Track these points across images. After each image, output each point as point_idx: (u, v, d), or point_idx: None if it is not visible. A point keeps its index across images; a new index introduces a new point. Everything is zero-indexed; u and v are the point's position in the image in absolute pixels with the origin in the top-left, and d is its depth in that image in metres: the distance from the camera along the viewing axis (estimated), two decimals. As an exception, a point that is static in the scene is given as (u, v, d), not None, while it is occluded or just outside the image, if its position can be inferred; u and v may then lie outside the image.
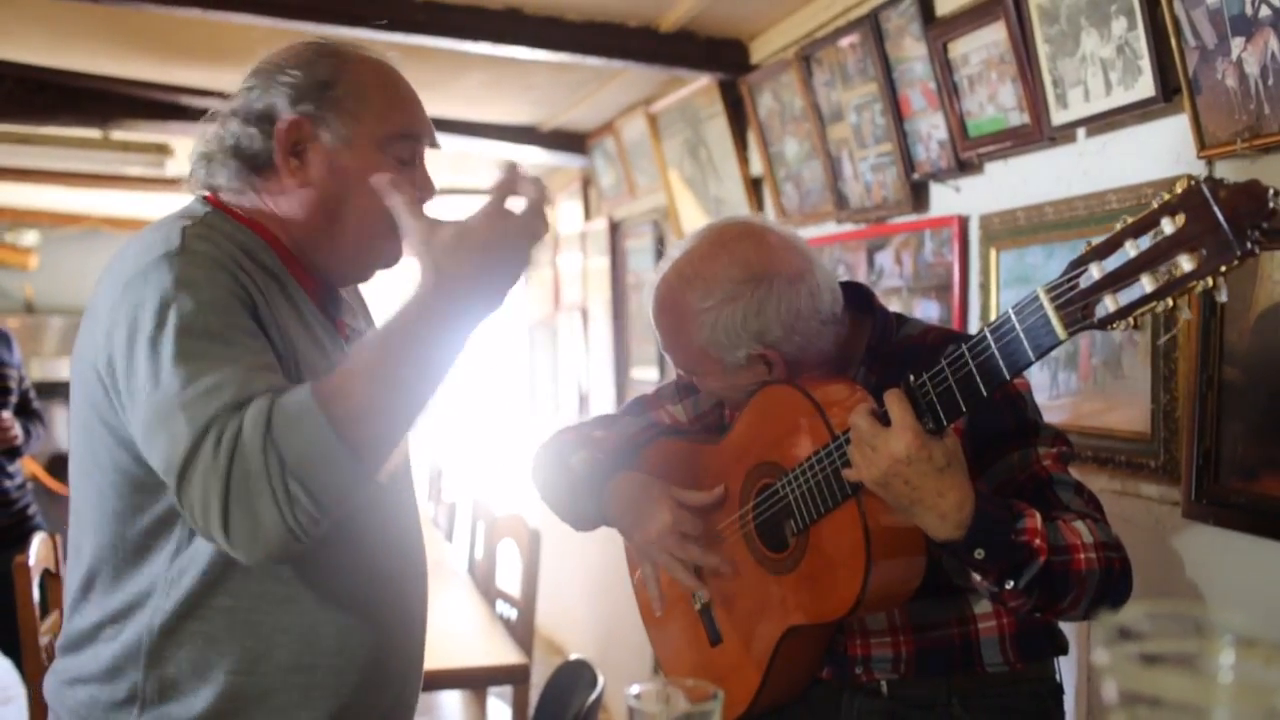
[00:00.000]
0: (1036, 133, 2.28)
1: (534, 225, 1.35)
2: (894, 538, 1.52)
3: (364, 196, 1.45)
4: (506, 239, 1.33)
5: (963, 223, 2.60)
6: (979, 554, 1.42)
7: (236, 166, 1.47)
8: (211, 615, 1.38)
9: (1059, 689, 1.72)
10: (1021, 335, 1.31)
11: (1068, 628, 1.80)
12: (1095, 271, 1.23)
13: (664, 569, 1.77)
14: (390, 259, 1.53)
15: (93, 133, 4.59)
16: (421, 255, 1.33)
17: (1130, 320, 1.22)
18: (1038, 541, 1.43)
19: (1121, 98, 2.06)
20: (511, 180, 1.35)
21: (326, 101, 1.44)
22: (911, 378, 1.44)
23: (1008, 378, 1.35)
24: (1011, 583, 1.44)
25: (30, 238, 8.12)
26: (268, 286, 1.41)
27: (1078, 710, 2.12)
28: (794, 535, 1.62)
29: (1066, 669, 1.77)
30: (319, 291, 1.53)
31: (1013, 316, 1.32)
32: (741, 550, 1.72)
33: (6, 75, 3.97)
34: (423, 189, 1.50)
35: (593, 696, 2.12)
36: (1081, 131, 2.23)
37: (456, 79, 3.98)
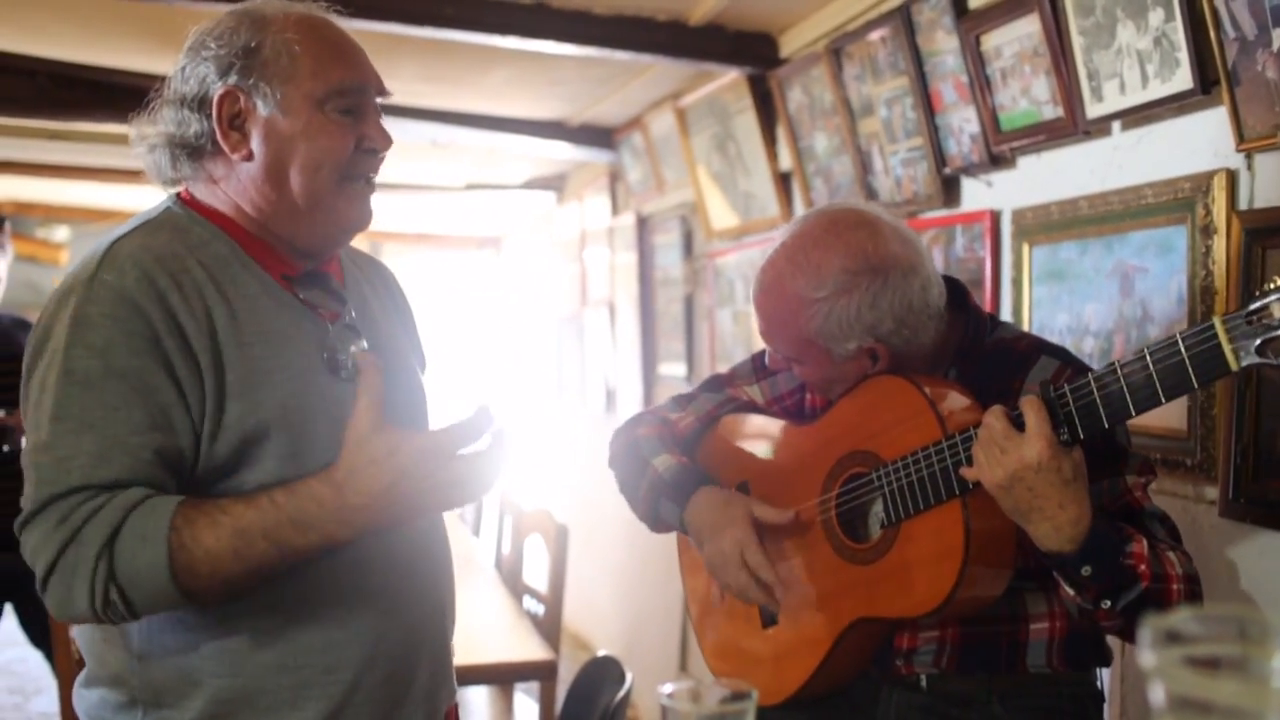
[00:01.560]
0: (1070, 126, 2.25)
1: (477, 480, 1.34)
2: (991, 546, 1.51)
3: (306, 157, 1.41)
4: (432, 481, 1.32)
5: (995, 217, 2.58)
6: (1086, 570, 1.42)
7: (177, 154, 1.44)
8: (188, 621, 1.37)
9: (1100, 695, 1.71)
10: (1187, 361, 1.30)
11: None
12: (1278, 311, 1.23)
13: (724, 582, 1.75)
14: (353, 219, 1.48)
15: (123, 128, 4.62)
16: (347, 447, 1.33)
17: None
18: (1143, 567, 1.44)
19: (1158, 90, 2.02)
20: (476, 427, 1.34)
21: (255, 68, 1.39)
22: (1052, 387, 1.42)
23: (1163, 401, 1.33)
24: (1109, 603, 1.44)
25: (61, 233, 8.20)
26: (222, 278, 1.39)
27: (1111, 713, 2.09)
28: (883, 527, 1.61)
29: (1104, 673, 1.75)
30: (293, 275, 1.47)
31: (1180, 341, 1.31)
32: (817, 535, 1.71)
33: (38, 71, 4.00)
34: (372, 140, 1.46)
35: (620, 693, 2.12)
36: (1117, 125, 2.20)
37: (484, 74, 3.98)
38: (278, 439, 1.36)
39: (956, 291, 1.72)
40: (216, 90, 1.40)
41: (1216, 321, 1.28)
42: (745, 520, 1.71)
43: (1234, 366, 1.27)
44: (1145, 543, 1.46)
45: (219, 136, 1.41)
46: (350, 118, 1.43)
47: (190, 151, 1.44)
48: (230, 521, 1.28)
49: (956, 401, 1.58)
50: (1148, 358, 1.34)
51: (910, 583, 1.56)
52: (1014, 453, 1.40)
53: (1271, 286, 1.25)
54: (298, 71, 1.40)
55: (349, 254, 1.64)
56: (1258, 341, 1.24)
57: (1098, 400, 1.38)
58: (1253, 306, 1.25)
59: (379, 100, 1.49)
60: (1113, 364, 1.38)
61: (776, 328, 1.70)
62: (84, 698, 1.45)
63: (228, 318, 1.36)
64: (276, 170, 1.41)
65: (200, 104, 1.41)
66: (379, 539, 1.44)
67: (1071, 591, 1.47)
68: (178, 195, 1.49)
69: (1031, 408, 1.41)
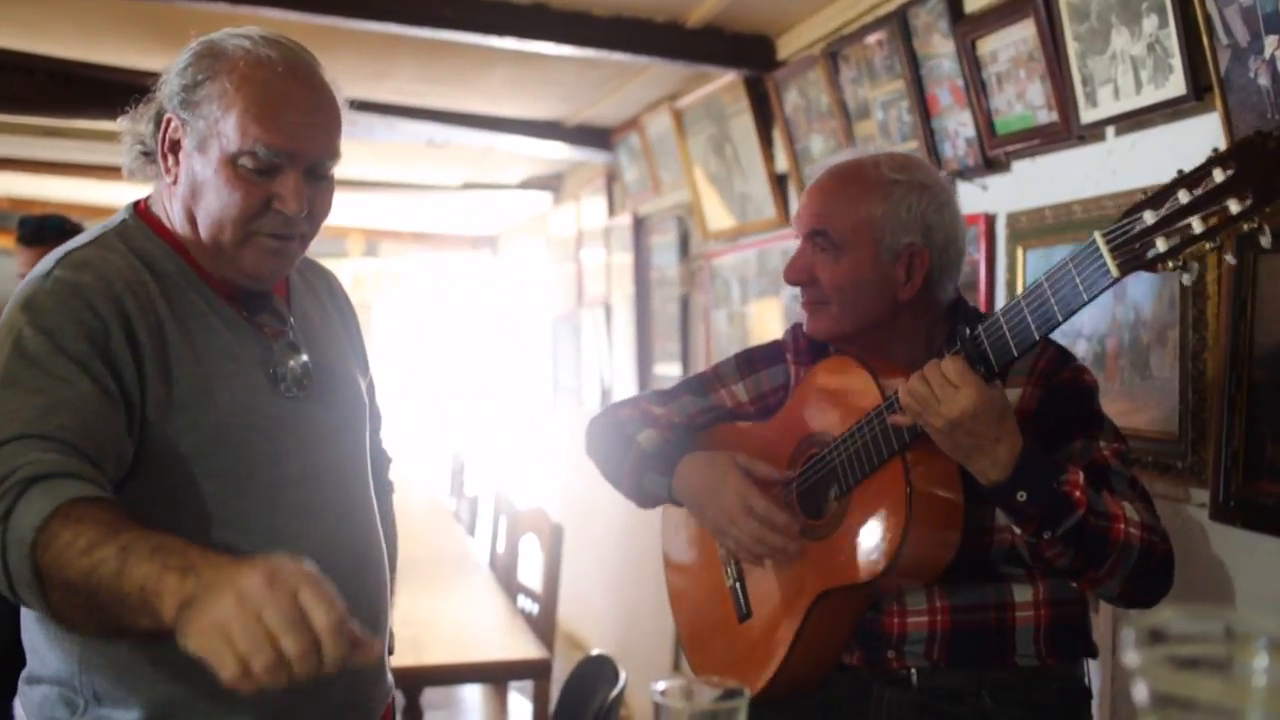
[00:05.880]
0: (1065, 131, 2.27)
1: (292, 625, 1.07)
2: (934, 502, 1.58)
3: (210, 205, 1.42)
4: (250, 610, 1.07)
5: (989, 221, 2.59)
6: (1021, 496, 1.49)
7: (145, 164, 1.51)
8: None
9: (1087, 691, 1.73)
10: (1077, 278, 1.41)
11: (1097, 631, 1.79)
12: (1149, 217, 1.35)
13: (725, 542, 1.79)
14: (253, 271, 1.46)
15: (121, 126, 4.62)
16: (258, 560, 1.11)
17: (1180, 259, 1.33)
18: (1078, 494, 1.50)
19: (1152, 96, 2.04)
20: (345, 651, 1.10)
21: (192, 104, 1.43)
22: (967, 331, 1.51)
23: (1060, 320, 1.44)
24: (1049, 532, 1.49)
25: (58, 230, 8.17)
26: (173, 295, 1.43)
27: (1101, 712, 2.11)
28: (836, 499, 1.66)
29: (1093, 671, 1.76)
30: (238, 294, 1.50)
31: (1069, 262, 1.41)
32: None
33: (36, 68, 4.00)
34: (283, 202, 1.42)
35: (614, 692, 2.12)
36: (1110, 130, 2.21)
37: (482, 75, 3.99)
38: (213, 457, 1.40)
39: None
40: (166, 113, 1.45)
41: (1097, 235, 1.40)
42: (736, 471, 1.75)
43: (1115, 274, 1.37)
44: (1083, 476, 1.53)
45: (159, 159, 1.47)
46: (263, 177, 1.41)
47: (150, 161, 1.50)
48: (90, 562, 1.14)
49: (896, 376, 1.64)
50: (1044, 282, 1.45)
51: (862, 545, 1.61)
52: (950, 402, 1.47)
53: (1142, 199, 1.35)
54: (224, 119, 1.40)
55: (297, 264, 1.60)
56: (1135, 246, 1.35)
57: (1006, 332, 1.48)
58: (1127, 219, 1.36)
59: (331, 163, 1.47)
60: (1017, 297, 1.48)
61: (840, 204, 1.71)
62: (27, 695, 1.45)
63: (179, 333, 1.40)
64: (188, 206, 1.45)
65: (156, 120, 1.48)
66: (318, 548, 1.37)
67: (1019, 530, 1.54)
68: (135, 206, 1.53)
69: (952, 362, 1.49)
